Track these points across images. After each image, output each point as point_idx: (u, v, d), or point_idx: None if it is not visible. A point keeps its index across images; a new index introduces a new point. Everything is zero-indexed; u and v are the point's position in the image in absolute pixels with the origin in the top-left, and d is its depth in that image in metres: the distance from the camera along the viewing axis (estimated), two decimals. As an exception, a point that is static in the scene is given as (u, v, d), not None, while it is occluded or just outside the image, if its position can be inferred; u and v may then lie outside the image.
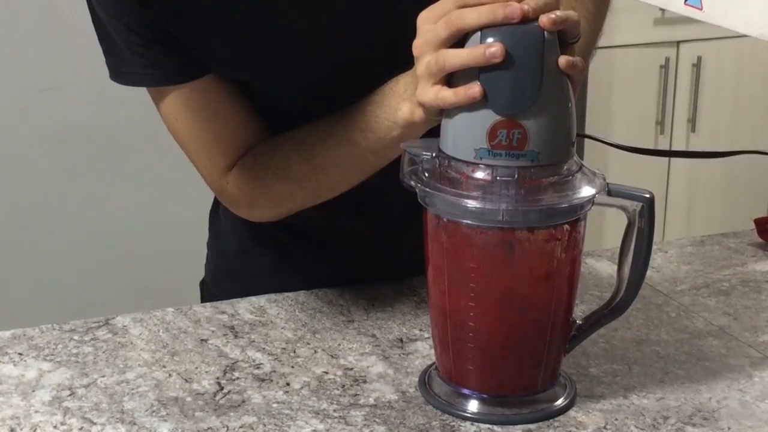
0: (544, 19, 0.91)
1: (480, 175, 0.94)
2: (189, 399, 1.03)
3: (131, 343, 1.14)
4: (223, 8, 1.10)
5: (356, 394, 1.04)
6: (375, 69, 1.07)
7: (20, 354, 1.12)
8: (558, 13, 0.92)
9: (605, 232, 2.69)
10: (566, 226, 0.96)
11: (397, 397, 1.04)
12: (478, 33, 0.92)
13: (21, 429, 0.99)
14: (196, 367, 1.09)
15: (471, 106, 0.93)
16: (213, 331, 1.16)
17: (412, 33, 0.98)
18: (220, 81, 1.15)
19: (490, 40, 0.92)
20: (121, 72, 1.15)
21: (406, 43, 0.98)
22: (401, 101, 1.04)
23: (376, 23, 1.12)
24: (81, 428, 0.99)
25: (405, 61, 1.00)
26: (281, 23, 1.11)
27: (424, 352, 1.11)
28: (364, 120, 1.08)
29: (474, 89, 0.92)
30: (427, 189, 0.96)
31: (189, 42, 1.11)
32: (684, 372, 1.08)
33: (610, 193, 0.97)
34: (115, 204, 2.64)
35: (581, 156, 0.99)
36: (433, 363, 1.06)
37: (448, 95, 0.94)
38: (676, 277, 1.30)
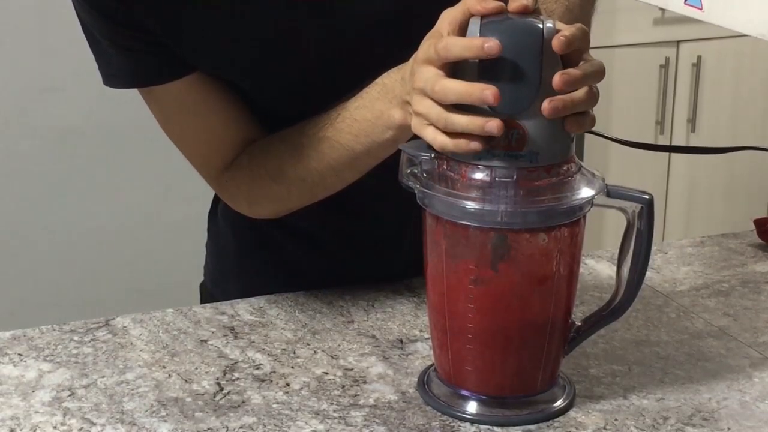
0: (556, 42, 0.91)
1: (479, 175, 0.94)
2: (189, 399, 1.03)
3: (131, 343, 1.14)
4: (206, 6, 1.10)
5: (356, 395, 1.04)
6: (360, 69, 1.06)
7: (20, 354, 1.12)
8: (566, 33, 0.91)
9: (605, 233, 2.69)
10: (565, 228, 0.96)
11: (397, 398, 1.04)
12: (477, 28, 0.92)
13: (21, 429, 0.99)
14: (196, 368, 1.09)
15: (469, 105, 0.93)
16: (213, 332, 1.16)
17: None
18: (207, 79, 1.15)
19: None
20: (111, 75, 1.16)
21: (391, 42, 0.98)
22: (393, 104, 1.04)
23: (359, 22, 1.12)
24: (81, 429, 0.99)
25: (390, 60, 1.00)
26: (264, 22, 1.11)
27: (424, 352, 1.11)
28: (357, 125, 1.08)
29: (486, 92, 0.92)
30: (426, 190, 0.96)
31: (171, 40, 1.11)
32: (684, 373, 1.08)
33: (609, 195, 0.97)
34: (115, 204, 2.64)
35: (581, 155, 0.99)
36: (432, 364, 1.06)
37: (451, 86, 0.94)
38: (676, 278, 1.30)
